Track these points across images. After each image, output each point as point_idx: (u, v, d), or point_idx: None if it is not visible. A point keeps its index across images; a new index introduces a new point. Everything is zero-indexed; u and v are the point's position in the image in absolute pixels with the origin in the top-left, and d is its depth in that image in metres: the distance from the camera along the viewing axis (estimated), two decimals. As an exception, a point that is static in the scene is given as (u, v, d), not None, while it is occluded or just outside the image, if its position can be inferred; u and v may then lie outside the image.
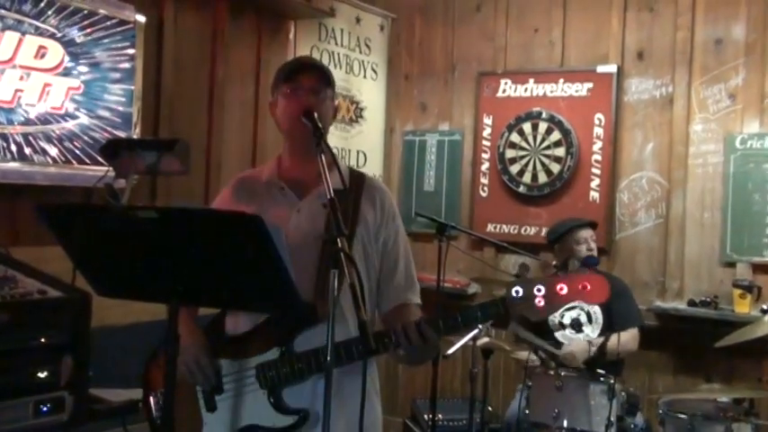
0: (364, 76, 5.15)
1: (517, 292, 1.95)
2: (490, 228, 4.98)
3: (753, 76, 4.34)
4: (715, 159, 4.43)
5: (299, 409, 2.04)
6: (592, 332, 3.95)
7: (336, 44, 4.90)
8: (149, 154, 2.51)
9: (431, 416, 3.83)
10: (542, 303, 1.92)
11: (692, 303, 4.37)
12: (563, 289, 1.91)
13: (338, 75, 4.86)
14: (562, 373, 3.32)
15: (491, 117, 5.05)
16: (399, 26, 5.39)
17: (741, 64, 4.38)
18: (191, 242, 1.72)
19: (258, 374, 2.08)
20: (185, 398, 2.14)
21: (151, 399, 2.26)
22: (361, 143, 5.12)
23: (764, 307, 3.62)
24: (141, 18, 3.60)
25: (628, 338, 3.89)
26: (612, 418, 3.21)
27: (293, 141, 2.22)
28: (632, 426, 3.39)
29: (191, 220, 1.75)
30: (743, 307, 4.20)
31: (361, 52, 5.12)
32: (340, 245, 1.77)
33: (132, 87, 3.57)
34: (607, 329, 3.87)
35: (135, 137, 3.54)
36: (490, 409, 3.76)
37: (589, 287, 1.91)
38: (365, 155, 5.11)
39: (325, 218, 2.07)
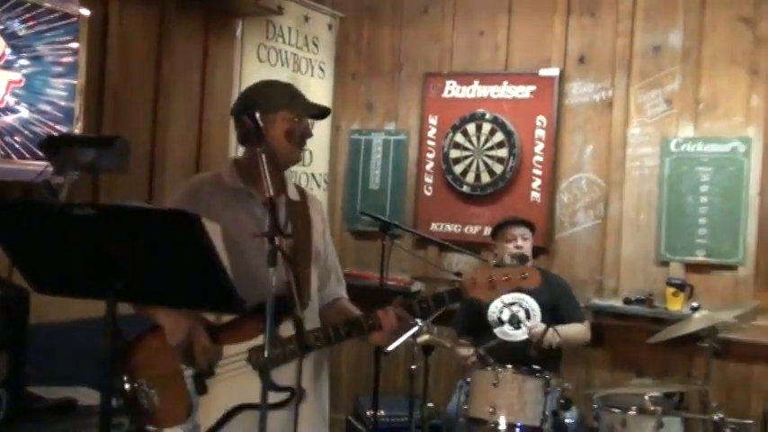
0: (311, 75, 5.18)
1: (472, 279, 2.36)
2: (434, 227, 5.06)
3: (688, 82, 4.49)
4: (651, 162, 4.57)
5: (288, 387, 2.21)
6: (528, 328, 4.05)
7: (284, 42, 4.91)
8: (88, 151, 2.51)
9: (373, 413, 3.88)
10: (492, 287, 2.33)
11: (627, 301, 4.49)
12: (506, 276, 2.36)
13: (285, 73, 4.88)
14: (499, 370, 3.40)
15: (436, 117, 5.12)
16: (347, 26, 5.43)
17: (677, 70, 4.52)
18: (129, 239, 1.74)
19: (251, 357, 2.27)
20: (171, 383, 2.30)
21: (126, 386, 2.34)
22: (307, 141, 5.12)
23: (694, 305, 3.75)
24: (85, 12, 3.57)
25: (580, 331, 4.12)
26: (548, 413, 3.30)
27: (284, 161, 2.40)
28: (566, 420, 3.49)
29: (129, 217, 1.77)
30: (676, 305, 4.34)
31: (308, 51, 5.14)
32: (278, 243, 1.84)
33: (75, 82, 3.54)
34: (554, 324, 3.98)
35: (77, 132, 3.51)
36: (431, 405, 3.82)
37: (527, 275, 2.37)
38: (311, 153, 5.13)
39: (286, 218, 2.33)
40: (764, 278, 4.29)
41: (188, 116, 4.31)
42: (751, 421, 3.79)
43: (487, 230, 4.74)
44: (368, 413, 4.32)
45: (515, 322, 4.02)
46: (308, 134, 2.44)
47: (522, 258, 4.02)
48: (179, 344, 2.25)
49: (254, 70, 4.62)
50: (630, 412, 3.44)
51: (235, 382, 2.29)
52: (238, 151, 4.38)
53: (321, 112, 2.53)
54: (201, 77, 4.35)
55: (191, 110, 4.32)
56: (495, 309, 4.11)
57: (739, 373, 4.32)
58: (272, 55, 4.78)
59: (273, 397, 2.16)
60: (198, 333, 2.26)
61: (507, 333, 4.06)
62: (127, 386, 2.34)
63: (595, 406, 3.56)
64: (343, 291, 2.67)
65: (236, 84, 4.49)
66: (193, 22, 4.33)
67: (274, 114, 2.33)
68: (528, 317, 4.07)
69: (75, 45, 3.53)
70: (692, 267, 4.45)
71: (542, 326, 3.88)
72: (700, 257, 4.42)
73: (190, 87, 4.30)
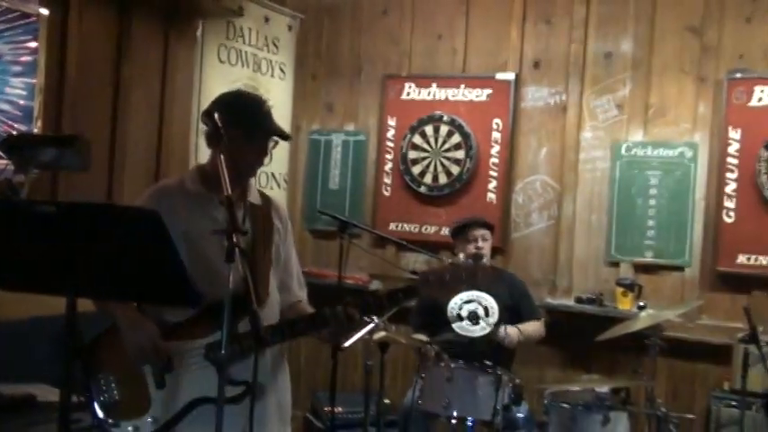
0: (272, 76, 5.22)
1: (427, 277, 2.49)
2: (392, 226, 5.14)
3: (638, 88, 4.64)
4: (603, 165, 4.71)
5: (245, 381, 2.26)
6: (487, 325, 4.16)
7: (244, 43, 4.95)
8: (49, 150, 2.55)
9: (330, 409, 3.95)
10: (445, 286, 2.46)
11: (578, 300, 4.64)
12: (462, 274, 2.45)
13: (246, 73, 4.92)
14: (452, 366, 3.50)
15: (395, 119, 5.20)
16: (307, 27, 5.48)
17: (628, 77, 4.67)
18: (90, 237, 1.79)
19: (208, 353, 2.34)
20: (131, 378, 2.37)
21: (92, 383, 2.40)
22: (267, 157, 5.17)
23: (641, 304, 3.89)
24: (45, 11, 3.58)
25: (537, 328, 4.25)
26: (499, 407, 3.41)
27: (249, 170, 2.52)
28: (517, 414, 3.60)
29: (90, 215, 1.82)
30: (625, 304, 4.48)
31: (269, 51, 5.18)
32: (235, 240, 1.91)
33: (34, 81, 3.56)
34: (510, 322, 4.10)
35: (36, 131, 3.53)
36: (387, 401, 3.90)
37: (480, 275, 2.47)
38: (271, 153, 5.16)
39: (244, 218, 2.42)
40: (709, 279, 4.45)
41: (148, 116, 4.33)
42: (693, 416, 3.95)
43: (444, 230, 4.85)
44: (325, 409, 4.38)
45: (474, 318, 4.13)
46: (262, 154, 2.50)
47: (476, 258, 4.12)
48: (133, 344, 2.32)
49: (214, 70, 4.65)
50: (579, 407, 3.55)
51: (193, 376, 2.35)
52: (199, 151, 4.46)
53: (283, 136, 2.57)
54: (162, 77, 4.37)
55: (151, 109, 4.34)
56: (454, 305, 4.21)
57: (685, 371, 4.48)
58: (233, 55, 4.82)
59: (230, 391, 2.22)
60: (152, 332, 2.32)
61: (466, 329, 4.16)
62: (88, 381, 2.38)
63: (546, 401, 3.67)
64: (304, 294, 2.75)
65: (197, 84, 4.52)
66: (154, 22, 4.35)
67: (232, 126, 2.38)
68: (486, 314, 4.18)
69: (34, 44, 3.55)
70: (641, 268, 4.60)
71: (515, 330, 4.02)
72: (648, 258, 4.57)
73: (150, 87, 4.32)
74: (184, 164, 4.36)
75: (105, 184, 4.04)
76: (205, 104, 4.43)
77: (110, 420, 2.37)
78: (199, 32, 4.58)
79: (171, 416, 2.35)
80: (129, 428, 2.36)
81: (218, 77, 4.66)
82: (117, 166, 4.12)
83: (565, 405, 3.59)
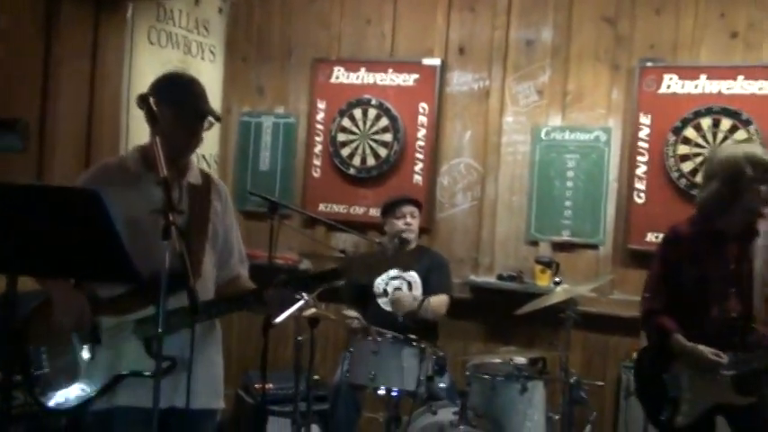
0: (202, 58, 5.26)
1: (351, 261, 2.73)
2: (322, 207, 5.26)
3: (557, 75, 4.86)
4: (523, 148, 4.93)
5: (170, 356, 2.36)
6: (414, 299, 4.33)
7: (174, 25, 4.97)
8: (-9, 132, 2.59)
9: (261, 385, 4.06)
10: (368, 269, 2.72)
11: (500, 277, 4.86)
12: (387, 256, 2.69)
13: (176, 55, 4.96)
14: (379, 339, 3.66)
15: (324, 102, 5.31)
16: (238, 9, 5.52)
17: (547, 64, 4.88)
18: (31, 216, 1.86)
19: (136, 329, 2.45)
20: (60, 350, 2.45)
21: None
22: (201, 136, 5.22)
23: (557, 280, 4.12)
24: (-29, -8, 3.57)
25: (440, 302, 4.34)
26: (422, 378, 3.58)
27: (183, 151, 2.60)
28: (440, 385, 3.79)
29: (31, 194, 1.89)
30: (543, 280, 4.72)
31: (199, 34, 5.22)
32: (172, 219, 2.01)
33: (-38, 62, 3.55)
34: (424, 295, 4.28)
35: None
36: (317, 377, 4.04)
37: (403, 256, 2.73)
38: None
39: (180, 197, 2.53)
40: (621, 256, 4.73)
41: (78, 97, 4.33)
42: (603, 383, 4.22)
43: (372, 211, 5.01)
44: (256, 386, 4.49)
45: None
46: (195, 135, 2.59)
47: (402, 241, 4.28)
48: (63, 315, 2.41)
49: (145, 52, 4.68)
50: (498, 378, 3.76)
51: (121, 350, 2.46)
52: (130, 131, 4.49)
53: (214, 117, 2.65)
54: (92, 59, 4.37)
55: (81, 91, 4.34)
56: (381, 281, 4.37)
57: (598, 342, 4.76)
58: (163, 37, 4.85)
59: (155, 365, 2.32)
60: (81, 305, 2.42)
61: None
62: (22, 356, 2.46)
63: (467, 372, 3.87)
64: (245, 270, 2.87)
65: (127, 65, 4.54)
66: (83, 3, 4.34)
67: (166, 106, 2.47)
68: (410, 289, 4.36)
69: (-39, 24, 3.53)
70: (559, 246, 4.84)
71: (402, 296, 4.20)
72: (565, 237, 4.81)
73: (80, 68, 4.32)
74: (115, 145, 4.40)
75: (35, 164, 4.05)
76: (135, 86, 4.54)
77: (39, 390, 2.46)
78: (129, 14, 4.59)
79: (99, 388, 2.45)
80: (59, 399, 2.45)
81: (149, 59, 4.69)
82: (47, 146, 4.12)
83: (485, 376, 3.79)
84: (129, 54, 4.57)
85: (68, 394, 2.46)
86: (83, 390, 2.46)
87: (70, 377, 2.46)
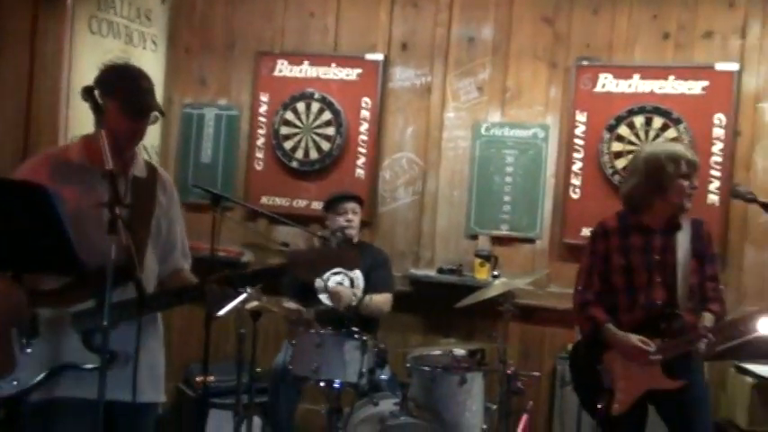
0: (144, 48, 5.20)
1: (296, 259, 2.67)
2: (264, 200, 5.27)
3: (497, 72, 4.96)
4: (464, 144, 5.02)
5: (110, 350, 2.31)
6: (353, 295, 4.38)
7: (115, 14, 4.91)
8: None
9: (203, 378, 4.06)
10: (312, 268, 2.67)
11: (440, 271, 4.94)
12: (329, 256, 2.73)
13: (117, 45, 4.89)
14: (322, 332, 3.70)
15: (267, 95, 5.31)
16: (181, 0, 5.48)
17: (488, 61, 4.98)
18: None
19: (74, 321, 2.42)
20: None
21: None
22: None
23: (496, 273, 4.22)
24: None
25: (383, 300, 4.40)
26: (364, 370, 3.65)
27: (127, 144, 2.57)
28: (381, 377, 3.86)
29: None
30: (482, 274, 4.82)
31: (140, 24, 5.16)
32: (118, 212, 2.02)
33: None
34: (366, 292, 4.33)
35: None
36: (259, 370, 4.06)
37: (346, 257, 2.74)
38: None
39: (125, 191, 2.50)
40: (557, 250, 4.86)
41: (15, 87, 4.26)
42: (538, 374, 4.34)
43: (314, 204, 5.05)
44: (197, 379, 4.48)
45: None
46: (139, 127, 2.57)
47: (347, 240, 4.32)
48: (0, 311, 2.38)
49: (85, 42, 4.61)
50: (438, 369, 3.85)
51: (59, 342, 2.44)
52: (69, 122, 4.43)
53: (159, 112, 2.66)
54: (30, 48, 4.30)
55: (18, 81, 4.28)
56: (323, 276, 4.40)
57: (534, 334, 4.88)
58: (104, 27, 4.78)
59: (96, 359, 2.33)
60: (18, 296, 2.38)
61: (332, 299, 4.36)
62: None
63: (408, 364, 3.94)
64: (188, 264, 2.87)
65: (67, 55, 4.47)
66: (21, -9, 4.28)
67: (110, 98, 2.46)
68: (352, 285, 4.40)
69: None
70: (497, 240, 4.95)
71: (342, 290, 4.24)
72: (503, 231, 4.92)
73: (18, 58, 4.25)
74: (53, 136, 4.33)
75: (-29, 155, 3.98)
76: (76, 76, 4.47)
77: None
78: (69, 2, 4.51)
79: (37, 379, 2.43)
80: None
81: (89, 49, 4.63)
82: (-17, 137, 4.06)
83: (425, 368, 3.87)
84: (69, 43, 4.49)
85: (3, 384, 2.42)
86: (18, 380, 2.42)
87: (6, 368, 2.43)
